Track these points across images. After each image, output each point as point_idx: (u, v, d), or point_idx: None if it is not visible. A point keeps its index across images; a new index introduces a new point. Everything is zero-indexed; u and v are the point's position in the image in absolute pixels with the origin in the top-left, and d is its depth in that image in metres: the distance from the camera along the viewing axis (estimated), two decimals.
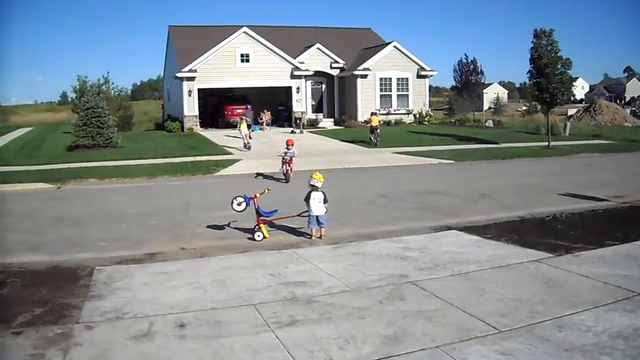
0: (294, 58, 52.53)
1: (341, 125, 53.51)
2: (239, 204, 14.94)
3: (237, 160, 31.57)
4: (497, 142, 40.99)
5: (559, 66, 36.67)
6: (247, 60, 50.29)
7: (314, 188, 14.71)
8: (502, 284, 10.75)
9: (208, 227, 16.16)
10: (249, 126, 39.41)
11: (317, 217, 14.62)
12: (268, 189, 15.60)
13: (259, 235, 14.60)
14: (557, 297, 10.06)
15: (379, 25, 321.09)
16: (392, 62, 54.84)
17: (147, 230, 15.97)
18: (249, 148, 36.63)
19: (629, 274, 11.26)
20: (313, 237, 14.66)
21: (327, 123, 54.76)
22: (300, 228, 15.42)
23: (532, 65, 37.07)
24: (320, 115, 55.82)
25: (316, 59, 55.14)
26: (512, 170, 29.32)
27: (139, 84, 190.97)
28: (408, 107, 55.67)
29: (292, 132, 47.27)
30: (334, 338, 8.30)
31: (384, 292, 10.40)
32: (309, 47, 55.43)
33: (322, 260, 12.55)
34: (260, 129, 48.47)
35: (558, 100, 38.24)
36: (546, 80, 36.35)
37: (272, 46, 50.92)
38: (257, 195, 15.13)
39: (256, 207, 14.91)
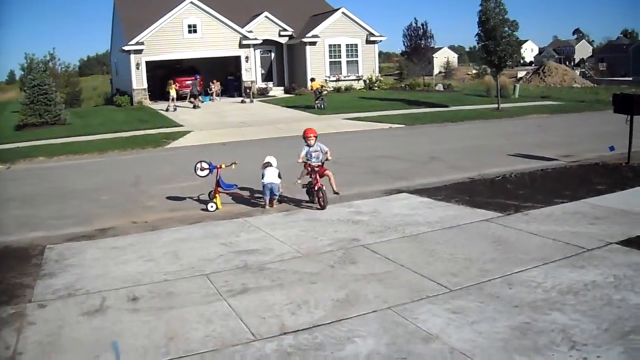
0: (242, 27, 52.00)
1: (291, 94, 53.23)
2: (202, 169, 14.79)
3: (188, 132, 31.37)
4: (447, 106, 41.21)
5: (506, 29, 36.94)
6: (195, 31, 49.66)
7: (268, 164, 14.62)
8: (452, 244, 10.86)
9: (159, 200, 16.04)
10: (194, 96, 43.76)
11: (271, 187, 14.52)
12: (235, 163, 15.33)
13: (212, 206, 14.48)
14: (507, 255, 10.19)
15: None
16: (340, 28, 54.54)
17: (98, 206, 15.77)
18: (175, 109, 42.11)
19: (577, 231, 11.43)
20: (267, 207, 14.56)
21: (278, 92, 54.53)
22: (252, 198, 15.33)
23: (480, 28, 37.31)
24: (270, 84, 55.56)
25: (264, 27, 54.66)
26: (462, 132, 29.45)
27: (86, 59, 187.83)
28: (358, 73, 55.51)
29: (242, 101, 47.10)
30: (286, 304, 8.33)
31: (335, 256, 10.44)
32: (257, 15, 54.88)
33: (273, 227, 12.57)
34: (210, 100, 48.10)
35: (507, 63, 38.65)
36: (494, 43, 36.66)
37: (220, 16, 50.31)
38: (223, 166, 14.91)
39: (218, 177, 14.77)
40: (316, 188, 14.33)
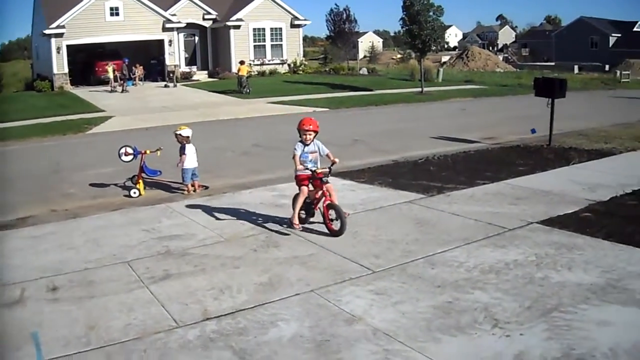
0: (166, 10, 51.48)
1: (215, 78, 53.05)
2: (126, 154, 14.46)
3: (110, 117, 30.89)
4: (371, 89, 41.62)
5: (431, 13, 37.26)
6: (117, 14, 48.92)
7: (186, 140, 14.30)
8: (375, 226, 10.87)
9: (80, 187, 15.64)
10: (123, 80, 44.13)
11: (193, 171, 14.30)
12: (160, 149, 14.98)
13: (134, 192, 14.19)
14: (429, 236, 10.24)
15: None
16: (265, 12, 54.41)
17: (17, 195, 15.24)
18: (113, 91, 43.91)
19: (499, 211, 11.57)
20: (190, 192, 14.29)
21: (201, 75, 54.23)
22: (174, 183, 15.06)
23: (405, 13, 37.59)
24: (194, 68, 55.14)
25: (188, 10, 54.22)
26: (386, 116, 29.73)
27: (7, 43, 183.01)
28: (282, 57, 55.69)
29: (166, 86, 46.93)
30: (209, 289, 8.21)
31: (258, 240, 10.34)
32: None
33: (196, 212, 12.37)
34: (133, 84, 47.45)
35: (431, 47, 39.02)
36: (418, 27, 36.92)
37: None
38: (148, 152, 14.62)
39: (142, 163, 14.47)
40: (325, 204, 10.49)
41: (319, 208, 10.69)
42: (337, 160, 10.54)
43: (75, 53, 49.42)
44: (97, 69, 48.86)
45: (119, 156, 14.49)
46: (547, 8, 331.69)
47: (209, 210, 12.48)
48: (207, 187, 14.67)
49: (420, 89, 39.25)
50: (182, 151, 14.16)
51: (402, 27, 39.13)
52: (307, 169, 10.42)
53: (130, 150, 14.42)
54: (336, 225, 10.31)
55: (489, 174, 15.10)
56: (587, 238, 9.88)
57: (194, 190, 14.32)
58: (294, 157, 10.48)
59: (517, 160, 16.84)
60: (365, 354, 6.32)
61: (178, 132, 14.34)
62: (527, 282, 8.06)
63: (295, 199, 10.76)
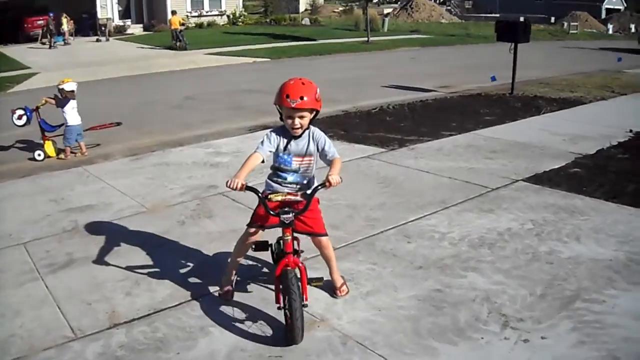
0: None
1: (151, 31, 50.89)
2: (19, 118, 12.30)
3: (35, 74, 28.55)
4: (314, 39, 40.88)
5: None
6: None
7: (71, 95, 12.18)
8: None
9: None
10: (51, 35, 42.12)
11: (79, 130, 12.31)
12: (49, 97, 12.79)
13: (39, 155, 12.06)
14: (398, 199, 8.45)
15: None
16: None
17: None
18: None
19: (475, 167, 9.97)
20: (69, 157, 12.25)
21: (136, 29, 51.98)
22: (90, 146, 12.95)
23: None
24: (129, 22, 52.75)
25: None
26: (332, 65, 28.45)
27: None
28: (221, 8, 54.19)
29: (98, 40, 44.98)
30: (121, 279, 6.26)
31: (187, 209, 8.41)
32: None
33: (115, 176, 10.36)
34: (63, 40, 45.01)
35: None
36: None
37: None
38: (38, 106, 12.41)
39: (39, 120, 12.35)
40: (280, 269, 4.92)
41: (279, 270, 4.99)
42: (335, 180, 5.12)
43: (4, 11, 46.85)
44: (26, 25, 46.88)
45: (13, 121, 12.40)
46: None
47: (131, 173, 10.54)
48: (98, 144, 12.76)
49: (366, 39, 38.44)
50: (62, 105, 12.18)
51: None
52: (270, 189, 5.59)
53: (21, 112, 12.27)
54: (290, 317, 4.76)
55: (453, 124, 13.58)
56: (587, 199, 8.24)
57: (82, 153, 12.32)
58: (248, 158, 5.36)
59: (481, 109, 15.46)
60: None
61: (61, 86, 12.23)
62: (532, 259, 6.34)
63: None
